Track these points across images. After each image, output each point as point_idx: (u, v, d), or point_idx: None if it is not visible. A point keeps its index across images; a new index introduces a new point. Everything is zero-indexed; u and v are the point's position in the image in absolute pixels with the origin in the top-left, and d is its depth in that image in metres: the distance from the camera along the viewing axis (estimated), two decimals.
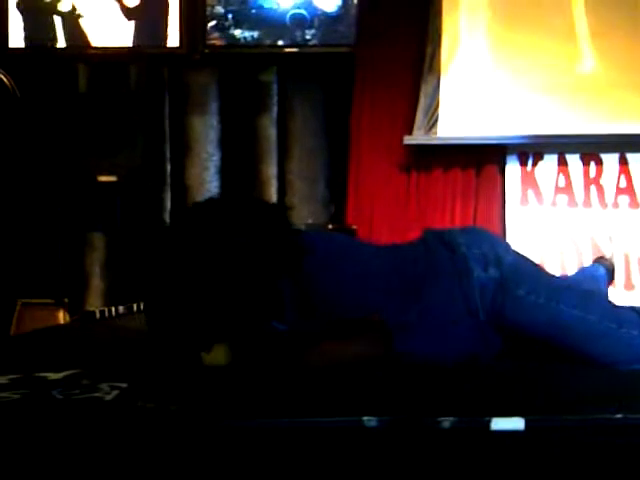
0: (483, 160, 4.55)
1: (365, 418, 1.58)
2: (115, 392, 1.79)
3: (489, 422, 1.57)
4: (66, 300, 4.42)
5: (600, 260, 3.21)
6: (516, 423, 1.57)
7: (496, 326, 2.08)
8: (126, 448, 1.55)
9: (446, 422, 1.58)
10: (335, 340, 1.94)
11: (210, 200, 2.13)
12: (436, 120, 4.48)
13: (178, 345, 1.96)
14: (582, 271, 2.73)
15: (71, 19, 4.82)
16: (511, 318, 2.07)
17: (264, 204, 2.12)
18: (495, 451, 1.58)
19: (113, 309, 3.35)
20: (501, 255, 2.15)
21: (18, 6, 4.82)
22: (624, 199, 4.40)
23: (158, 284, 1.95)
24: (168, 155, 4.83)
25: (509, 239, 4.41)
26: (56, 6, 4.83)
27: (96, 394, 1.77)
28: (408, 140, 4.51)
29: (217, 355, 1.94)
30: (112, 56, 4.82)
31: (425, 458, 1.58)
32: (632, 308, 2.21)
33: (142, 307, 2.10)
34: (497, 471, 1.56)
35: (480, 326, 2.07)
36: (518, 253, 2.24)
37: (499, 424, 1.57)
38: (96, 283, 4.77)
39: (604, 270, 2.95)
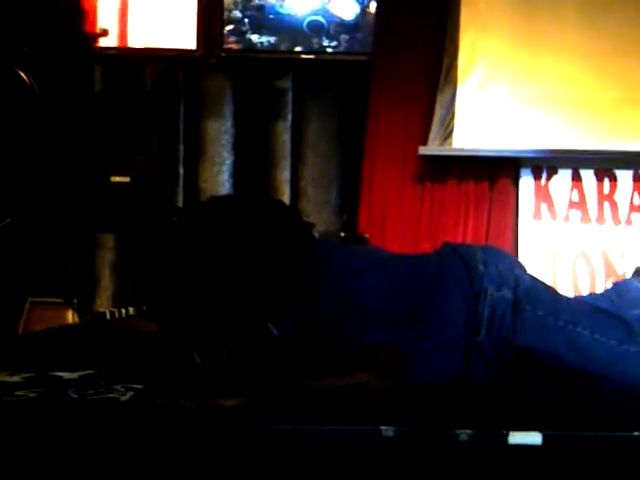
0: (497, 173, 4.55)
1: (383, 428, 1.58)
2: (130, 393, 1.79)
3: (507, 436, 1.57)
4: (75, 300, 4.41)
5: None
6: (534, 438, 1.56)
7: (500, 347, 2.04)
8: (140, 447, 1.55)
9: (463, 434, 1.58)
10: (342, 372, 1.89)
11: (226, 197, 2.10)
12: (451, 131, 4.48)
13: (175, 340, 1.93)
14: (616, 286, 2.67)
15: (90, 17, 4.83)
16: (524, 339, 2.04)
17: (284, 208, 2.08)
18: (512, 465, 1.57)
19: (123, 310, 3.34)
20: (519, 276, 2.12)
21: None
22: (638, 216, 4.41)
23: (158, 274, 1.91)
24: (182, 157, 4.84)
25: (521, 253, 4.41)
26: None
27: (111, 395, 1.78)
28: (423, 150, 4.51)
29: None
30: (128, 57, 4.83)
31: (441, 470, 1.58)
32: None
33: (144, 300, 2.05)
34: None
35: (479, 347, 2.03)
36: (534, 277, 2.22)
37: (516, 438, 1.57)
38: (106, 284, 4.77)
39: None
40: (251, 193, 4.22)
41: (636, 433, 1.59)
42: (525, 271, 2.20)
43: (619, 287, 2.53)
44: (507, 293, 2.06)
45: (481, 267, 2.09)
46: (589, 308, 2.14)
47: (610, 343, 2.06)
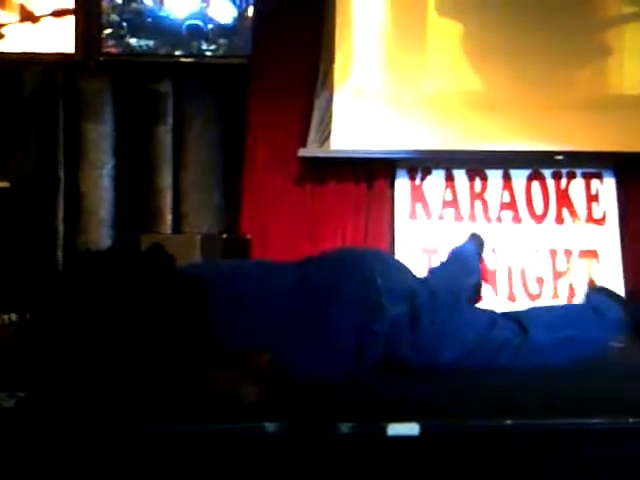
0: (374, 174, 4.65)
1: (266, 424, 1.63)
2: (14, 400, 1.79)
3: (385, 427, 1.65)
4: None
5: (472, 237, 3.29)
6: (411, 428, 1.65)
7: (396, 358, 2.13)
8: (24, 452, 1.57)
9: (344, 427, 1.65)
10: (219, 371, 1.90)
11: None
12: (329, 133, 4.55)
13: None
14: (455, 253, 2.85)
15: None
16: (420, 349, 2.13)
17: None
18: (391, 455, 1.65)
19: (5, 317, 3.30)
20: (414, 288, 2.18)
21: None
22: (507, 214, 4.59)
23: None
24: (62, 162, 4.77)
25: (397, 251, 4.53)
26: None
27: None
28: (302, 152, 4.57)
29: None
30: (5, 60, 4.72)
31: (323, 462, 1.64)
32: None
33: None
34: (393, 475, 1.64)
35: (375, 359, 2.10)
36: (422, 280, 2.30)
37: (395, 429, 1.65)
38: None
39: (475, 246, 3.02)
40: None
41: (509, 422, 1.69)
42: (415, 279, 2.27)
43: (456, 254, 2.69)
44: (405, 307, 2.12)
45: (379, 282, 2.10)
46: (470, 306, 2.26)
47: (493, 335, 2.20)
